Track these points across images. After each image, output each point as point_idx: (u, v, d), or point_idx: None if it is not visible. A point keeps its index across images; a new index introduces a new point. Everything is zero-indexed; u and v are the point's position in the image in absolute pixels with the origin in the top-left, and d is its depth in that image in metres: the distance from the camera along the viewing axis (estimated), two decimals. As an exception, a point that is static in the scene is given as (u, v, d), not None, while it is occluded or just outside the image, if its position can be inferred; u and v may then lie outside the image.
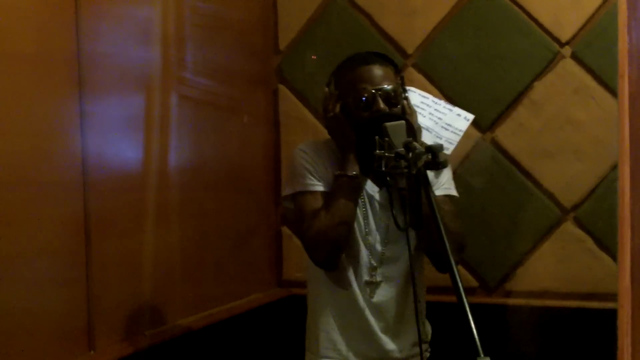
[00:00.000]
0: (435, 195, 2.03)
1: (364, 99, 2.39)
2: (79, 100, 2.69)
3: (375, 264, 2.47)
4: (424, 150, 1.97)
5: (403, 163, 2.04)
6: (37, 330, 2.48)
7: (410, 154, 1.99)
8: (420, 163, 1.96)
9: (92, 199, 2.70)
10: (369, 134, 2.27)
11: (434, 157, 1.95)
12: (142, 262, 3.00)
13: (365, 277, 2.47)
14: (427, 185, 1.94)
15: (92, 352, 2.71)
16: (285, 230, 3.94)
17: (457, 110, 2.66)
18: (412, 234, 2.40)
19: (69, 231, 2.64)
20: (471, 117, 2.65)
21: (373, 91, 2.39)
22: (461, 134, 2.62)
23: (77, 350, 2.66)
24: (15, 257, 2.41)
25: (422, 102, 2.63)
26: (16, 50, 2.45)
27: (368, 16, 3.75)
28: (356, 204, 2.41)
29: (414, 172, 1.98)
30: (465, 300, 1.71)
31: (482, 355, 1.63)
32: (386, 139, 2.19)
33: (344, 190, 2.38)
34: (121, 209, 2.89)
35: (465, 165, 3.51)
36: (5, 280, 2.37)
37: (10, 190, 2.40)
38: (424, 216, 2.06)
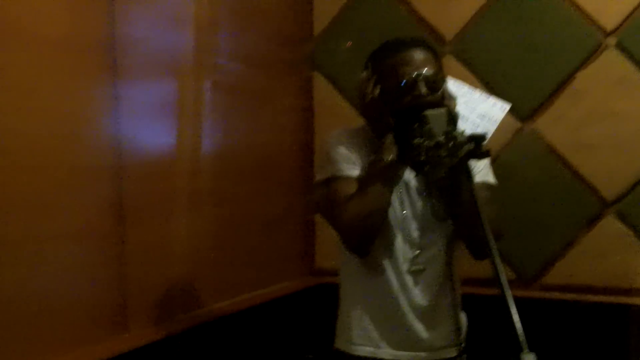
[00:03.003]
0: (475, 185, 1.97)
1: (403, 83, 2.33)
2: (112, 85, 2.68)
3: (411, 252, 2.42)
4: (466, 139, 1.91)
5: (443, 152, 1.99)
6: (73, 312, 2.49)
7: (451, 143, 1.94)
8: (462, 153, 1.91)
9: (126, 183, 2.70)
10: (408, 120, 2.22)
11: (477, 147, 1.89)
12: (174, 246, 3.00)
13: (402, 265, 2.42)
14: (469, 175, 1.89)
15: (125, 334, 2.72)
16: (318, 218, 3.92)
17: (492, 99, 2.61)
18: (449, 222, 2.38)
19: (103, 215, 2.64)
20: (507, 105, 2.60)
21: (414, 75, 2.32)
22: (497, 123, 2.57)
23: (111, 332, 2.67)
24: (51, 240, 2.41)
25: (457, 91, 2.58)
26: (51, 34, 2.44)
27: (405, 2, 3.71)
28: (391, 190, 2.36)
29: (455, 161, 1.93)
30: (508, 292, 1.66)
31: (526, 351, 1.57)
32: (426, 127, 2.13)
33: (380, 175, 2.33)
34: (154, 193, 2.88)
35: (503, 155, 3.46)
36: (42, 263, 2.37)
37: (46, 175, 2.40)
38: (463, 204, 2.01)
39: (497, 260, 1.73)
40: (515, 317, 1.63)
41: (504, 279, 1.69)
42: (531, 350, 1.58)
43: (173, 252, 2.99)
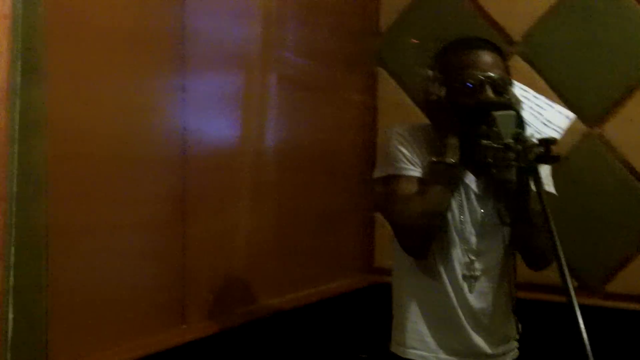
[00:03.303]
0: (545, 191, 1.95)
1: (470, 85, 2.30)
2: (180, 77, 2.70)
3: (469, 257, 2.39)
4: (536, 142, 1.88)
5: (511, 155, 1.97)
6: (133, 301, 2.52)
7: (520, 147, 1.91)
8: (532, 156, 1.88)
9: (190, 175, 2.72)
10: (474, 121, 2.19)
11: (547, 151, 1.87)
12: (235, 240, 3.01)
13: (459, 270, 2.39)
14: (538, 179, 1.87)
15: (183, 326, 2.74)
16: (379, 216, 3.89)
17: (558, 107, 2.57)
18: (506, 229, 2.34)
19: (166, 207, 2.66)
20: (573, 116, 2.57)
21: (481, 77, 2.29)
22: (562, 132, 2.53)
23: (169, 323, 2.70)
24: (114, 230, 2.44)
25: (522, 96, 2.55)
26: (121, 26, 2.47)
27: (473, 0, 3.65)
28: (452, 193, 2.33)
29: (524, 165, 1.90)
30: (575, 301, 1.64)
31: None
32: (494, 128, 2.10)
33: (441, 177, 2.30)
34: (217, 186, 2.89)
35: (569, 160, 3.40)
36: (104, 253, 2.40)
37: (111, 165, 2.43)
38: (529, 210, 1.99)
39: (564, 267, 1.71)
40: (582, 327, 1.61)
41: (571, 287, 1.67)
42: (595, 360, 1.56)
43: (233, 245, 3.00)
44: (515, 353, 2.51)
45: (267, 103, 3.20)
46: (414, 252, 2.38)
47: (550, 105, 2.56)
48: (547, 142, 1.88)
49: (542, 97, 2.58)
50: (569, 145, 3.38)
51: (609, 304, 3.38)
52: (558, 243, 1.76)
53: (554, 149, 1.89)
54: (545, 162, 1.90)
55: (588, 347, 1.57)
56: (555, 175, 2.47)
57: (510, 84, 2.36)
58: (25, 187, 1.95)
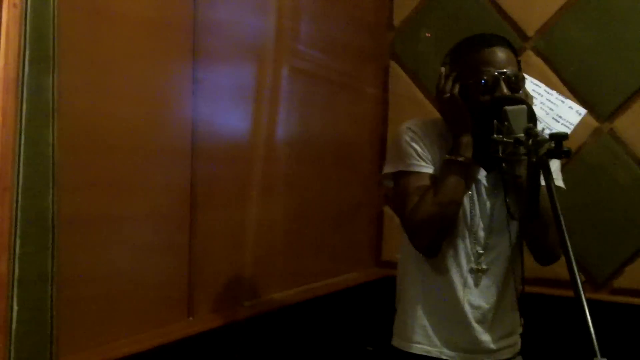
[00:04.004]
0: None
1: (484, 82, 2.29)
2: (193, 67, 2.69)
3: (478, 252, 2.39)
4: (547, 137, 1.87)
5: (522, 150, 1.97)
6: (140, 293, 2.51)
7: (531, 141, 1.90)
8: (543, 151, 1.87)
9: (200, 167, 2.71)
10: (487, 119, 2.19)
11: (558, 146, 1.85)
12: (244, 232, 3.01)
13: (465, 264, 2.39)
14: (548, 174, 1.85)
15: (190, 318, 2.74)
16: (388, 210, 3.90)
17: (569, 102, 2.58)
18: (515, 223, 2.34)
19: (175, 198, 2.66)
20: (584, 111, 2.57)
21: (496, 74, 2.28)
22: (572, 127, 2.54)
23: (176, 316, 2.69)
24: (123, 221, 2.44)
25: (534, 91, 2.55)
26: (137, 14, 2.46)
27: (487, -6, 3.65)
28: (465, 191, 2.33)
29: (534, 159, 1.89)
30: (583, 296, 1.63)
31: (599, 356, 1.54)
32: (505, 123, 2.10)
33: (455, 174, 2.30)
34: (227, 178, 2.89)
35: (579, 155, 3.39)
36: (113, 243, 2.40)
37: (123, 155, 2.42)
38: (539, 204, 1.98)
39: (573, 262, 1.70)
40: (589, 321, 1.59)
41: (579, 282, 1.66)
42: (602, 355, 1.55)
43: (242, 238, 3.00)
44: (517, 347, 2.51)
45: (280, 96, 3.19)
46: (424, 250, 2.38)
47: (562, 101, 2.56)
48: (557, 137, 1.86)
49: (554, 92, 2.58)
50: (580, 140, 3.37)
51: (617, 298, 3.39)
52: (567, 238, 1.74)
53: (565, 143, 1.88)
54: (556, 157, 1.89)
55: (595, 342, 1.56)
56: (565, 170, 2.46)
57: (523, 80, 2.35)
58: (32, 178, 1.93)
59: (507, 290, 2.40)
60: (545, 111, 2.54)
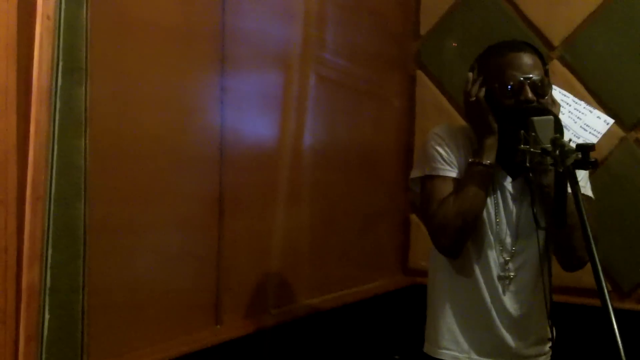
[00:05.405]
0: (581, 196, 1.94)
1: (510, 86, 2.31)
2: (220, 75, 2.71)
3: (502, 258, 2.39)
4: (573, 148, 1.88)
5: (549, 160, 1.97)
6: (168, 301, 2.53)
7: (558, 151, 1.91)
8: (570, 161, 1.88)
9: (227, 175, 2.73)
10: (512, 123, 2.20)
11: (585, 156, 1.86)
12: (271, 240, 3.02)
13: (492, 271, 2.39)
14: (574, 184, 1.86)
15: (218, 326, 2.75)
16: (414, 217, 3.90)
17: (597, 112, 2.58)
18: (542, 231, 2.33)
19: (203, 206, 2.68)
20: (611, 121, 2.58)
21: (522, 79, 2.29)
22: (599, 136, 2.54)
23: (203, 323, 2.70)
24: (152, 229, 2.46)
25: (561, 100, 2.55)
26: (165, 23, 2.49)
27: (513, 4, 3.66)
28: (487, 193, 2.34)
29: (561, 169, 1.90)
30: (610, 306, 1.63)
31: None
32: (532, 133, 2.11)
33: (477, 178, 2.31)
34: (254, 186, 2.91)
35: (605, 164, 3.38)
36: (142, 251, 2.43)
37: (151, 163, 2.44)
38: (565, 214, 1.99)
39: (600, 271, 1.70)
40: (616, 331, 1.60)
41: (605, 291, 1.66)
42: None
43: (269, 245, 3.01)
44: (547, 356, 2.50)
45: (306, 103, 3.21)
46: (446, 251, 2.39)
47: (590, 110, 2.57)
48: (585, 148, 1.87)
49: (582, 103, 2.58)
50: (606, 149, 3.36)
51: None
52: (594, 247, 1.75)
53: (592, 154, 1.88)
54: (583, 168, 1.89)
55: (622, 351, 1.56)
56: (591, 179, 2.46)
57: (550, 86, 2.35)
58: (64, 187, 1.96)
59: (536, 298, 2.39)
60: (573, 120, 2.54)
